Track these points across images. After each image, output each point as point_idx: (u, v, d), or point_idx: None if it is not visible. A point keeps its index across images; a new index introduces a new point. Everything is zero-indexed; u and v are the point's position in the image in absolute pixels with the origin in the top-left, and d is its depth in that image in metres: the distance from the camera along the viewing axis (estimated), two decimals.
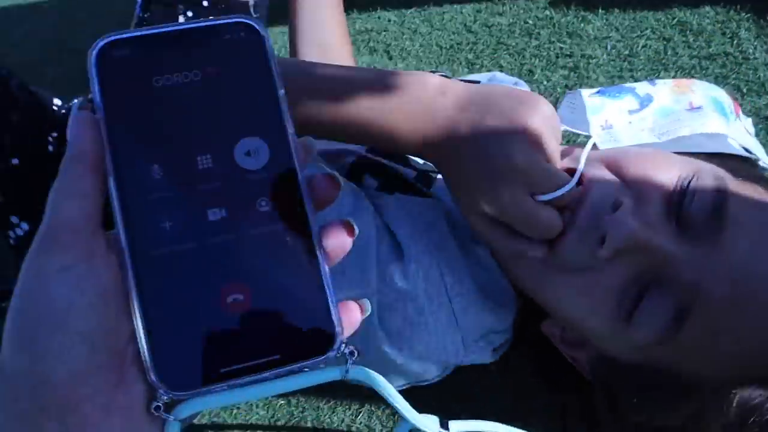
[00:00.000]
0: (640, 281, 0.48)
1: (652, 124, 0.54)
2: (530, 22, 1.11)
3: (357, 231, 0.28)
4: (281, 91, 0.27)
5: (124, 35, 0.27)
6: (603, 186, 0.50)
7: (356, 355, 0.27)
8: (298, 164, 0.27)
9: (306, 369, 0.27)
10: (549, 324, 0.58)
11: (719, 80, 0.93)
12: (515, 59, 1.06)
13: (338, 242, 0.28)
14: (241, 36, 0.28)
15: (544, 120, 0.47)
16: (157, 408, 0.26)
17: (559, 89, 1.00)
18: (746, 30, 0.98)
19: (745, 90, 0.91)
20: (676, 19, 1.03)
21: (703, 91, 0.57)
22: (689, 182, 0.48)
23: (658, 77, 0.96)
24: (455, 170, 0.50)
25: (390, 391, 0.32)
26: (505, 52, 1.08)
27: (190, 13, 0.79)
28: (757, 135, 0.84)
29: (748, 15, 1.00)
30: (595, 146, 0.52)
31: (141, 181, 0.26)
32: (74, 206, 0.26)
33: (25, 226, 0.69)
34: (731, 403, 0.47)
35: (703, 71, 0.95)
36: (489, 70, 1.07)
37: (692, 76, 0.95)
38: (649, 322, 0.47)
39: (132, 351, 0.26)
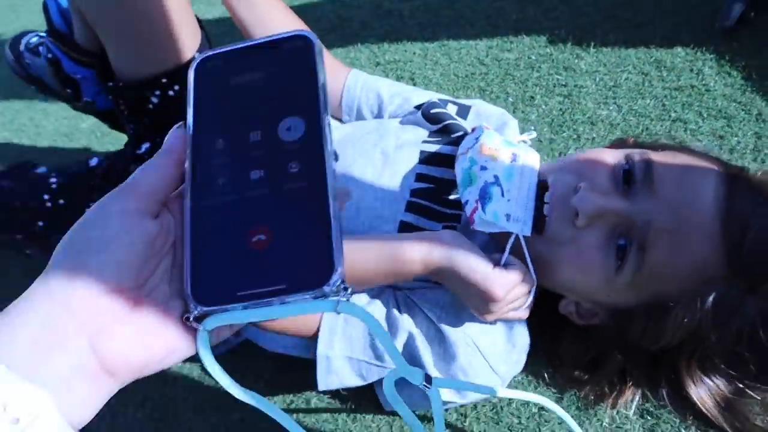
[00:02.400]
0: (613, 237, 0.63)
1: (519, 183, 0.69)
2: (533, 57, 1.25)
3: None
4: (321, 83, 0.32)
5: (213, 52, 0.34)
6: (562, 180, 0.69)
7: (349, 290, 0.29)
8: (326, 138, 0.31)
9: (307, 298, 0.29)
10: (565, 304, 0.74)
11: (685, 107, 1.09)
12: (519, 87, 1.21)
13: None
14: (297, 44, 0.33)
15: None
16: (187, 318, 0.29)
17: (555, 112, 1.15)
18: (709, 67, 1.13)
19: (705, 115, 1.07)
20: (653, 57, 1.18)
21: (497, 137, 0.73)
22: (625, 161, 0.67)
23: (635, 104, 1.12)
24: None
25: (379, 331, 0.33)
26: (511, 82, 1.23)
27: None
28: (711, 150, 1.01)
29: (712, 55, 1.15)
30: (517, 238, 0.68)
31: (207, 151, 0.32)
32: (152, 177, 0.32)
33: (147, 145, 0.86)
34: (703, 303, 0.60)
35: (673, 100, 1.10)
36: (498, 97, 1.22)
37: (664, 105, 1.10)
38: (628, 263, 0.63)
39: (149, 286, 0.30)
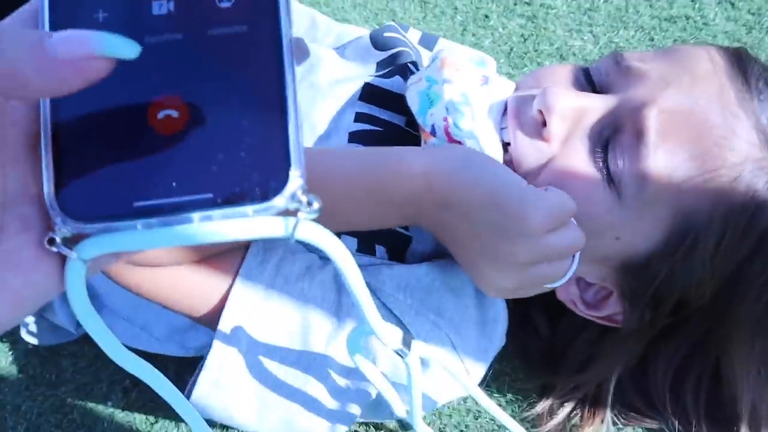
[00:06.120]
0: (600, 142, 0.52)
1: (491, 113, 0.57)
2: None
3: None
4: None
5: None
6: (516, 97, 0.56)
7: (315, 206, 0.21)
8: None
9: (246, 213, 0.22)
10: (563, 289, 0.57)
11: (678, 43, 0.91)
12: (471, 2, 1.00)
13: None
14: None
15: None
16: (52, 241, 0.21)
17: (514, 38, 0.96)
18: None
19: None
20: None
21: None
22: (586, 65, 0.57)
23: (616, 35, 0.94)
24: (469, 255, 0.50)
25: (353, 273, 0.26)
26: None
27: None
28: None
29: None
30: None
31: None
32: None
33: None
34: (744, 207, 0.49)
35: (663, 33, 0.93)
36: (443, 13, 1.01)
37: (651, 38, 0.93)
38: (618, 160, 0.51)
39: (14, 203, 0.22)
